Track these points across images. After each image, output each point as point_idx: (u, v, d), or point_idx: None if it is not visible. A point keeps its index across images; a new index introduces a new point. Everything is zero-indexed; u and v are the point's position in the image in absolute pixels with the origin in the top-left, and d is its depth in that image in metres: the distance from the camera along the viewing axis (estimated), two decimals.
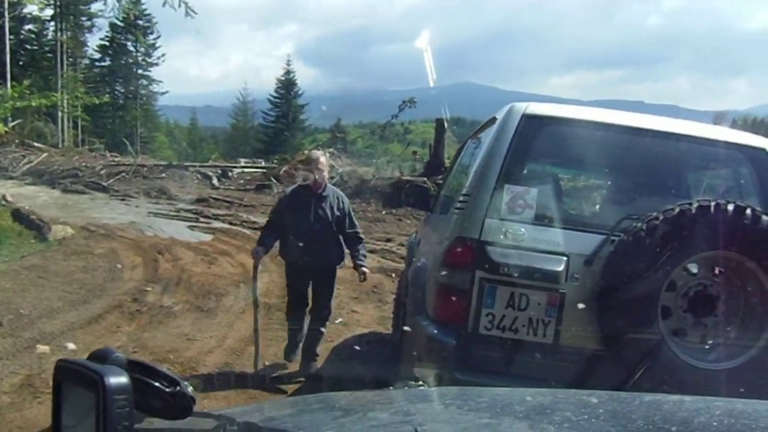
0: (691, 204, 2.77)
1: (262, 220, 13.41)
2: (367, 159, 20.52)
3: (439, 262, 3.23)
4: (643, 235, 2.79)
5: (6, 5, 27.93)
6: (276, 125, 51.20)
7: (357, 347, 6.51)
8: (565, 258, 2.97)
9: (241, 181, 19.19)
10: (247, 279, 8.62)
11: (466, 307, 3.06)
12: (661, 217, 2.78)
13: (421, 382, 1.69)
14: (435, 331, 3.16)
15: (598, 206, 3.96)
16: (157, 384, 0.90)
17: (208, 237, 11.50)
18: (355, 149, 21.17)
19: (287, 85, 52.60)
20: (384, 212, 14.62)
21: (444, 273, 3.17)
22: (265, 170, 20.41)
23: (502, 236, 3.05)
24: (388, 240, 11.81)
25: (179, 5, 9.72)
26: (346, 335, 6.83)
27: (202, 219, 13.29)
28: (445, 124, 18.70)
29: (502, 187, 3.12)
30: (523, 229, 3.05)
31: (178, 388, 0.92)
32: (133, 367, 0.87)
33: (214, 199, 16.08)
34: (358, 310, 7.63)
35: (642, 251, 2.78)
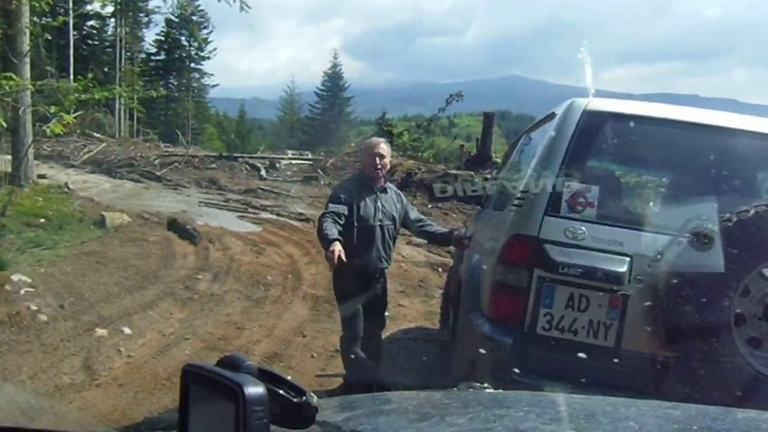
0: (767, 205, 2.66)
1: (310, 211, 13.54)
2: (413, 152, 20.39)
3: (496, 258, 3.17)
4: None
5: (71, 3, 28.83)
6: (322, 118, 51.81)
7: (403, 342, 6.51)
8: (628, 258, 2.89)
9: (289, 173, 19.32)
10: (294, 270, 8.74)
11: (523, 306, 3.00)
12: (735, 219, 2.66)
13: (486, 384, 1.64)
14: (490, 330, 3.11)
15: (663, 205, 3.83)
16: (283, 393, 0.90)
17: (256, 227, 11.65)
18: (401, 142, 21.10)
19: (334, 79, 53.13)
20: (430, 206, 14.52)
21: (500, 270, 3.12)
22: (312, 162, 20.55)
23: (561, 234, 2.98)
24: None
25: (234, 0, 9.85)
26: (393, 329, 6.82)
27: (250, 209, 13.46)
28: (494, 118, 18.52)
29: (562, 184, 3.05)
30: (583, 228, 2.97)
31: (303, 398, 0.92)
32: (261, 375, 0.87)
33: (262, 190, 16.26)
34: (405, 304, 7.63)
35: None
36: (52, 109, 9.03)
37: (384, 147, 4.62)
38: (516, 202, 3.31)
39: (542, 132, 3.69)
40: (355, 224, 4.39)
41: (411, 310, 7.39)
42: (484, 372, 3.04)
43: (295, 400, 0.91)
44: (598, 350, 2.89)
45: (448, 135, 30.22)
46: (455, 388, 1.67)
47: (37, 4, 10.31)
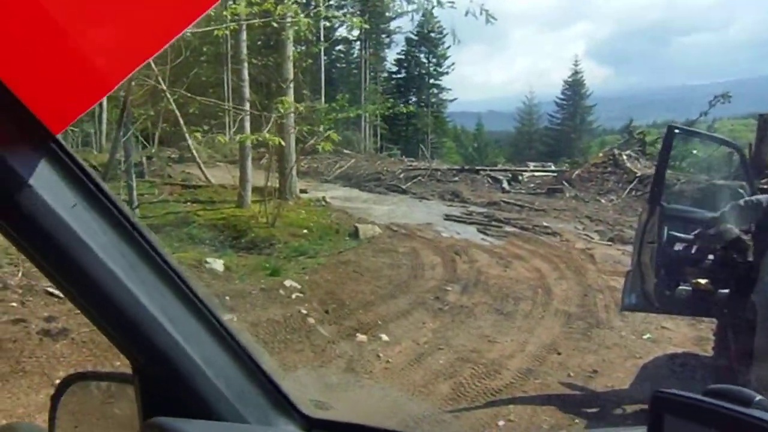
0: None
1: (556, 225, 13.08)
2: (669, 161, 18.74)
3: None
4: None
5: (322, 31, 31.79)
6: (562, 128, 50.23)
7: (671, 367, 5.94)
8: None
9: (531, 185, 18.88)
10: (543, 285, 8.46)
11: None
12: None
13: None
14: None
15: None
16: None
17: (500, 241, 11.56)
18: (655, 151, 19.51)
19: (575, 87, 51.27)
20: None
21: None
22: (555, 174, 19.90)
23: None
24: None
25: (480, 13, 9.97)
26: (656, 353, 6.30)
27: (494, 222, 13.39)
28: None
29: None
30: None
31: None
32: None
33: (505, 202, 16.11)
34: (669, 326, 6.96)
35: None
36: (321, 128, 9.92)
37: None
38: None
39: None
40: None
41: (676, 333, 6.72)
42: None
43: None
44: None
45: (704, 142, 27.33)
46: None
47: (302, 34, 11.43)
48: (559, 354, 6.09)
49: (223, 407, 0.97)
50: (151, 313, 0.89)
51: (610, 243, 11.42)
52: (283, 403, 1.06)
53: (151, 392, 0.97)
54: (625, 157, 18.14)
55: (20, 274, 6.66)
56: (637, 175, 16.81)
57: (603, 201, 15.99)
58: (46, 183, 0.78)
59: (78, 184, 0.82)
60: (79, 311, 0.91)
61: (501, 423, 4.70)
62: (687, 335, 6.75)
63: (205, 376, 0.95)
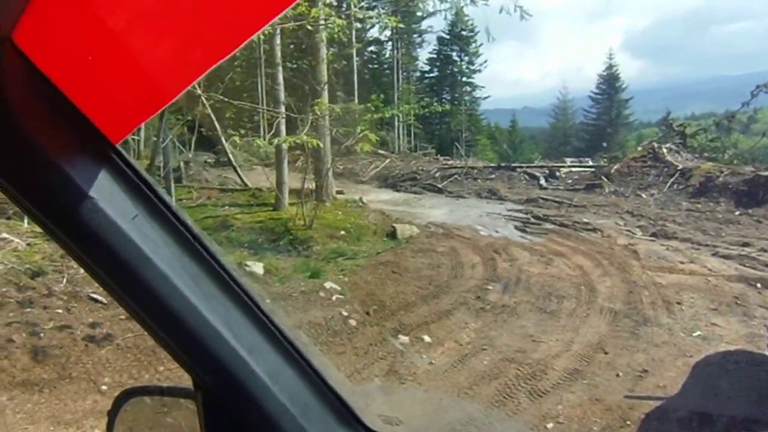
0: None
1: (596, 221, 12.83)
2: (711, 153, 18.29)
3: None
4: None
5: (353, 33, 31.86)
6: (597, 122, 49.57)
7: (724, 366, 5.75)
8: None
9: (569, 181, 18.55)
10: (587, 282, 8.30)
11: None
12: None
13: None
14: None
15: None
16: None
17: (540, 238, 11.38)
18: (696, 143, 19.02)
19: (609, 80, 50.48)
20: (737, 213, 12.82)
21: None
22: (593, 169, 19.52)
23: None
24: (745, 245, 10.30)
25: (514, 10, 9.83)
26: (707, 350, 6.11)
27: (533, 219, 13.21)
28: None
29: None
30: None
31: None
32: None
33: (543, 199, 15.87)
34: (719, 323, 6.77)
35: None
36: (358, 129, 9.91)
37: None
38: None
39: None
40: None
41: (728, 330, 6.52)
42: None
43: None
44: None
45: (746, 132, 26.76)
46: None
47: (336, 35, 11.44)
48: (606, 353, 5.97)
49: (287, 423, 0.94)
50: (215, 327, 0.86)
51: (653, 238, 11.15)
52: (348, 419, 1.03)
53: (213, 408, 0.94)
54: (665, 151, 17.70)
55: (65, 281, 6.77)
56: (679, 168, 16.37)
57: (644, 196, 15.62)
58: (106, 194, 0.75)
59: (139, 194, 0.79)
60: (126, 319, 0.89)
61: (550, 425, 4.61)
62: (739, 332, 6.55)
63: (269, 392, 0.92)
